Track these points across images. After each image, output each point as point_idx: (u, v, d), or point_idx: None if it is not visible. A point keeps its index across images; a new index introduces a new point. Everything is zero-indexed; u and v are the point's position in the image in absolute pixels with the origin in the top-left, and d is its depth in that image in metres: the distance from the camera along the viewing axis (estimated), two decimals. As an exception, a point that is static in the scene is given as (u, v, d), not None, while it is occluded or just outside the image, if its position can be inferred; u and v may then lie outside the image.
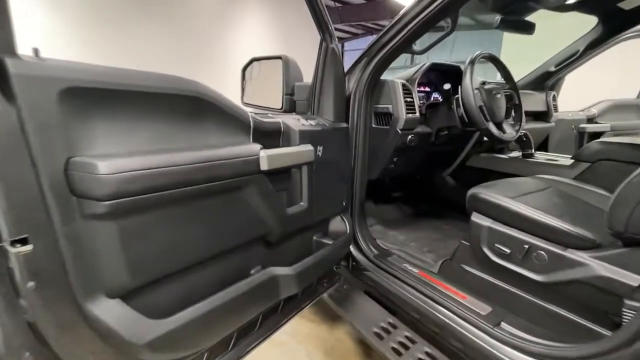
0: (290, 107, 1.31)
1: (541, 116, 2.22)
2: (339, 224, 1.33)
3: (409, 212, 1.98)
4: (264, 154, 0.87)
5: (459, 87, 1.40)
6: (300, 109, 1.32)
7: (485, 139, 1.78)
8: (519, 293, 1.09)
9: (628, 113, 2.75)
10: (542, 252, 1.01)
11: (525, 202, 1.10)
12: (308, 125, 1.09)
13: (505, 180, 1.37)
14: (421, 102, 1.58)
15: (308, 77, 1.30)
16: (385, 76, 1.43)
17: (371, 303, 1.37)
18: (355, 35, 10.36)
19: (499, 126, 1.42)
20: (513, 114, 1.55)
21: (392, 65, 1.31)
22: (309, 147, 1.04)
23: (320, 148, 1.12)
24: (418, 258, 1.45)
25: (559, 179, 1.41)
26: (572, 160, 1.52)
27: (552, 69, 2.16)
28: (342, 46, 10.62)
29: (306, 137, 1.06)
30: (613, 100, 2.68)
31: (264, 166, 0.87)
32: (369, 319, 1.29)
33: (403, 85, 1.41)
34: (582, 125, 2.55)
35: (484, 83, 1.65)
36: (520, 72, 2.10)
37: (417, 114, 1.45)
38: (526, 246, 1.04)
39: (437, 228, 1.77)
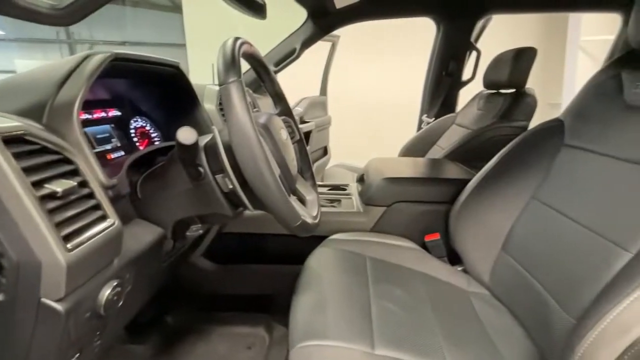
0: None
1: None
2: None
3: (155, 340, 1.05)
4: None
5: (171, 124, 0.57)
6: None
7: None
8: None
9: (319, 109, 2.96)
10: None
11: None
12: None
13: (319, 287, 0.79)
14: (111, 153, 0.68)
15: None
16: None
17: None
18: None
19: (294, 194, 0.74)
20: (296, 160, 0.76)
21: None
22: None
23: None
24: None
25: (359, 237, 1.00)
26: (363, 205, 1.16)
27: (273, 68, 1.77)
28: None
29: None
30: (310, 97, 2.77)
31: None
32: None
33: None
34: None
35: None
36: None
37: (113, 222, 0.50)
38: None
39: None
